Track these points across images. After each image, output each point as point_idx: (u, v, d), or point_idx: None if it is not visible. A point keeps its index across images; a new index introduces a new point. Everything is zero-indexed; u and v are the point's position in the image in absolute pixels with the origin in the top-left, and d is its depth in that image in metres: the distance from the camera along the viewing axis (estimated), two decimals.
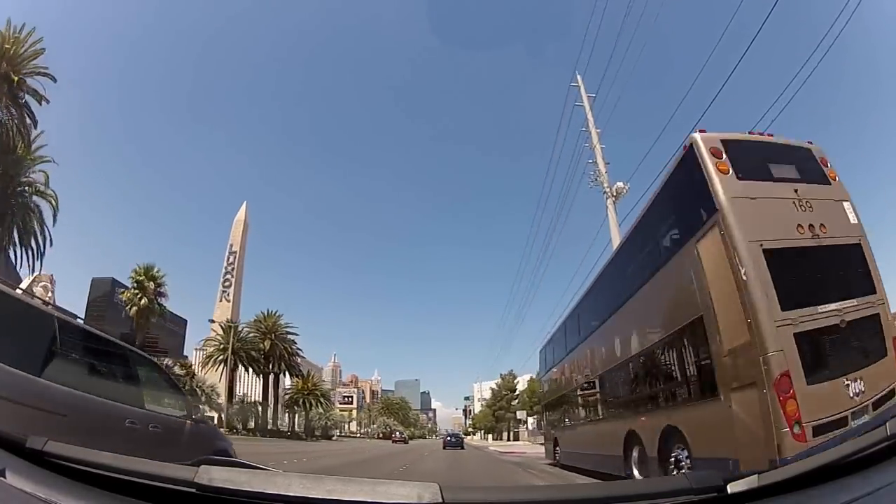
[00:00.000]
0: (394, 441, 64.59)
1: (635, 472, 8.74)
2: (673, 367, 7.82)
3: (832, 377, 5.48)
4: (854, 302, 5.83)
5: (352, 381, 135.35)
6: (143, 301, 38.20)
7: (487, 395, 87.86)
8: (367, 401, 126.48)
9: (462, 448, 36.69)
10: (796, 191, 6.19)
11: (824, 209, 6.17)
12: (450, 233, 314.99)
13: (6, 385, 3.13)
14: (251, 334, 48.95)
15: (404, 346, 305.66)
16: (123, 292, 39.64)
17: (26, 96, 26.93)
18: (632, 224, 10.06)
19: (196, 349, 56.66)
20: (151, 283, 39.02)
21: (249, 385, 63.48)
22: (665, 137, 14.43)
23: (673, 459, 7.15)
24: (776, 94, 10.89)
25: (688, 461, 6.80)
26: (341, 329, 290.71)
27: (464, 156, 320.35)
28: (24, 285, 45.27)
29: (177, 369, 43.20)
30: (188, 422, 5.38)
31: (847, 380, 5.47)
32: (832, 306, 5.68)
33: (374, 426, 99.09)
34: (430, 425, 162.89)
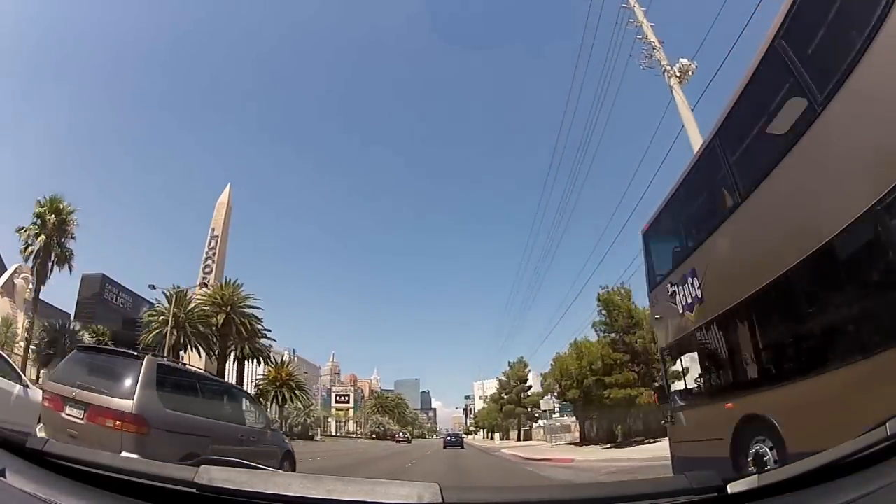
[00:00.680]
0: (397, 441, 66.77)
1: None
2: None
3: None
4: None
5: (350, 381, 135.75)
6: (41, 239, 30.55)
7: (490, 392, 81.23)
8: (367, 400, 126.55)
9: (462, 448, 38.95)
10: None
11: None
12: (450, 233, 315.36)
13: (180, 424, 5.83)
14: (203, 306, 41.16)
15: (404, 347, 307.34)
16: (21, 230, 31.39)
17: None
18: None
19: (140, 320, 48.35)
20: (53, 216, 30.89)
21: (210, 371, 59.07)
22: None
23: None
24: None
25: None
26: (340, 330, 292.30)
27: (464, 152, 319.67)
28: (4, 277, 45.44)
29: (87, 337, 38.33)
30: (268, 431, 8.41)
31: None
32: None
33: (367, 425, 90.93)
34: (429, 425, 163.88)
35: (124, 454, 3.28)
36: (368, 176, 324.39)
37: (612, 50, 16.47)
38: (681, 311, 8.00)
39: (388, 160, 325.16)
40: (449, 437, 43.53)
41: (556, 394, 35.47)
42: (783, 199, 5.53)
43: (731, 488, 1.27)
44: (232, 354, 44.29)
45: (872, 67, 4.19)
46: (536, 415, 57.53)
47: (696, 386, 7.96)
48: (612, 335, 27.94)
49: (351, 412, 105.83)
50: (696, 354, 7.92)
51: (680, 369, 8.55)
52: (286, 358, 61.33)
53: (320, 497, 1.27)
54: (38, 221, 30.83)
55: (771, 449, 5.45)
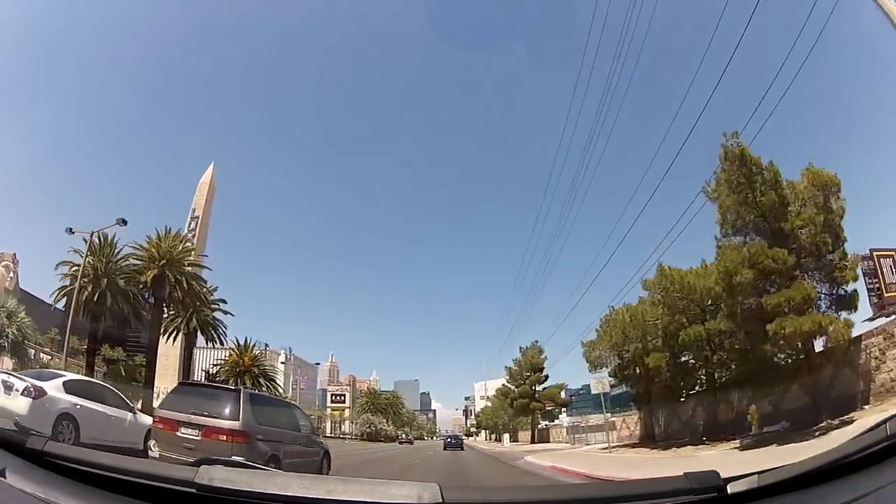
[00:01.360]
0: (400, 442, 67.05)
1: None
2: None
3: None
4: None
5: (349, 382, 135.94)
6: None
7: (491, 392, 76.07)
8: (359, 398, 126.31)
9: (462, 449, 40.30)
10: None
11: None
12: (450, 232, 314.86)
13: (266, 434, 8.17)
14: (132, 258, 32.70)
15: (404, 348, 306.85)
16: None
17: None
18: None
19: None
20: None
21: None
22: None
23: None
24: None
25: None
26: (340, 331, 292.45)
27: (465, 152, 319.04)
28: None
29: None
30: (314, 435, 11.38)
31: None
32: None
33: (356, 425, 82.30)
34: (429, 426, 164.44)
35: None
36: (367, 177, 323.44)
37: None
38: None
39: (387, 159, 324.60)
40: (449, 439, 45.31)
41: (610, 370, 24.77)
42: None
43: (731, 488, 1.31)
44: (176, 331, 36.29)
45: None
46: (557, 410, 51.40)
47: None
48: (755, 221, 15.91)
49: (347, 412, 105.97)
50: None
51: None
52: (270, 352, 57.56)
53: (320, 497, 1.30)
54: None
55: None
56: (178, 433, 7.85)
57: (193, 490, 1.33)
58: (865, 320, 16.77)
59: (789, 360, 16.48)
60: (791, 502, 1.29)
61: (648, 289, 21.33)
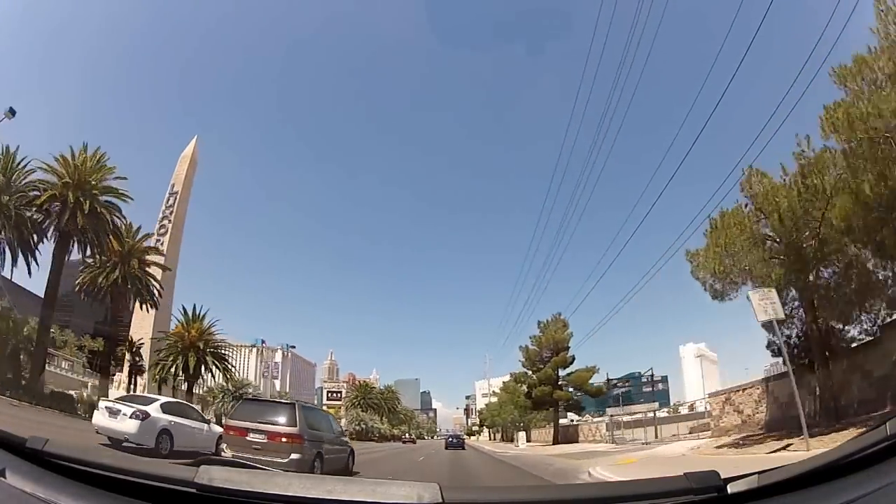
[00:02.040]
0: (403, 442, 68.30)
1: None
2: None
3: None
4: None
5: (348, 380, 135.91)
6: None
7: (494, 390, 72.12)
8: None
9: (463, 448, 40.60)
10: None
11: None
12: (450, 232, 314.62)
13: (313, 436, 10.97)
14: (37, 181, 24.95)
15: (404, 348, 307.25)
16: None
17: None
18: None
19: None
20: None
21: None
22: None
23: None
24: None
25: None
26: (339, 331, 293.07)
27: (465, 154, 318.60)
28: None
29: None
30: (343, 437, 14.64)
31: None
32: None
33: (345, 421, 67.57)
34: (429, 425, 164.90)
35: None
36: (367, 177, 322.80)
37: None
38: None
39: (388, 159, 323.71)
40: (450, 439, 46.36)
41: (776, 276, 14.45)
42: None
43: (731, 488, 1.34)
44: (93, 286, 29.19)
45: None
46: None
47: None
48: None
49: (343, 410, 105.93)
50: None
51: None
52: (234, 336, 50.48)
53: (320, 497, 1.33)
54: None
55: None
56: (248, 437, 10.23)
57: (193, 490, 1.36)
58: None
59: None
60: (791, 502, 1.32)
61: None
